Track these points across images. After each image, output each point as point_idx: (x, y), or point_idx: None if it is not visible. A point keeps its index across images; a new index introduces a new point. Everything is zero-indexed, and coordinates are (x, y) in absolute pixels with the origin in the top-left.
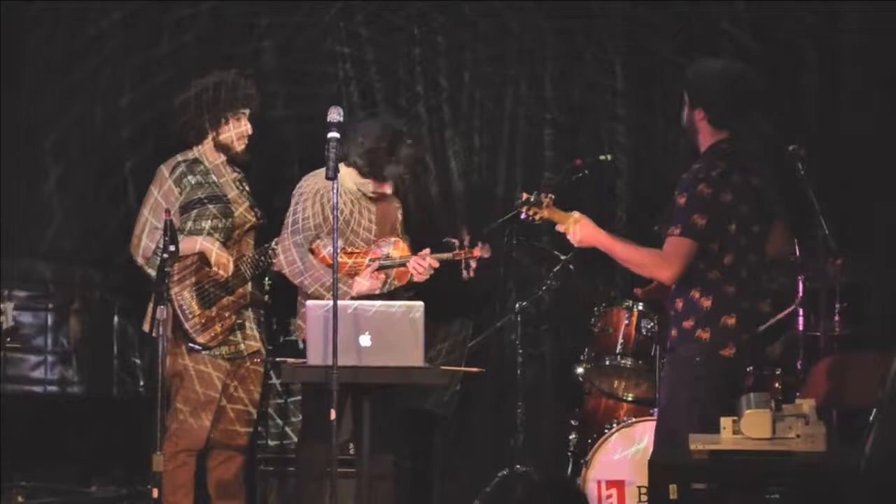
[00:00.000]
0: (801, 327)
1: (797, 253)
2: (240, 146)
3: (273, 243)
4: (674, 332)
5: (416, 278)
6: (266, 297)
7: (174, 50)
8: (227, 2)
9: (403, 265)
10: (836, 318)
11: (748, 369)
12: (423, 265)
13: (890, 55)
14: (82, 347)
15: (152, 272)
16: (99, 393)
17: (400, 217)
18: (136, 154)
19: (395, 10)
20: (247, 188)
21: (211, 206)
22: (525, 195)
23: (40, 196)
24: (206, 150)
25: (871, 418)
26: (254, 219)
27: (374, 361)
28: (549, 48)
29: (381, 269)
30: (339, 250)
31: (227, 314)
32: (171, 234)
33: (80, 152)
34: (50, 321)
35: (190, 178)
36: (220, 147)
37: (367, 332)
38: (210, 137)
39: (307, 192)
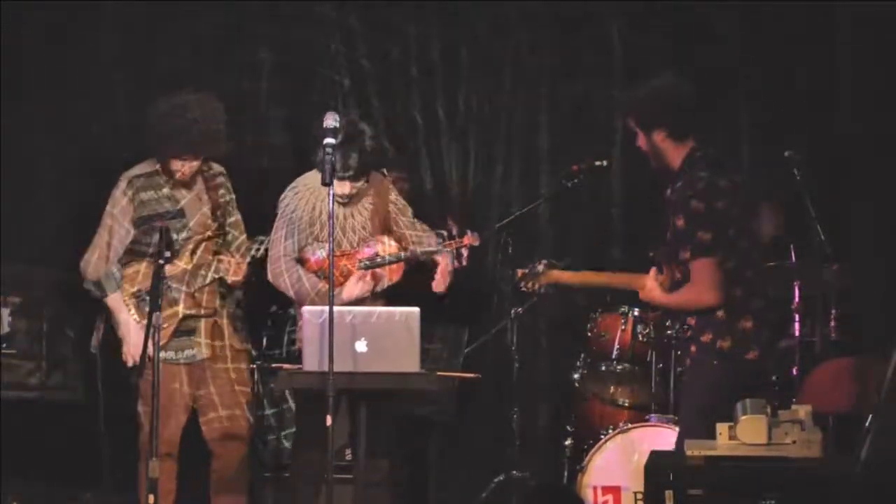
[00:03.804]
0: (797, 333)
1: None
2: (181, 178)
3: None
4: (693, 348)
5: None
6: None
7: (172, 56)
8: (227, 12)
9: (395, 262)
10: (833, 323)
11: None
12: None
13: (885, 55)
14: (78, 354)
15: (91, 289)
16: (94, 399)
17: (393, 208)
18: (133, 161)
19: (389, 6)
20: (220, 195)
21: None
22: (520, 272)
23: (36, 202)
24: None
25: (867, 424)
26: (211, 229)
27: (370, 367)
28: (547, 50)
29: (370, 268)
30: (329, 256)
31: (170, 324)
32: (166, 240)
33: (78, 159)
34: (45, 327)
35: (142, 193)
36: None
37: (362, 338)
38: None
39: (294, 203)
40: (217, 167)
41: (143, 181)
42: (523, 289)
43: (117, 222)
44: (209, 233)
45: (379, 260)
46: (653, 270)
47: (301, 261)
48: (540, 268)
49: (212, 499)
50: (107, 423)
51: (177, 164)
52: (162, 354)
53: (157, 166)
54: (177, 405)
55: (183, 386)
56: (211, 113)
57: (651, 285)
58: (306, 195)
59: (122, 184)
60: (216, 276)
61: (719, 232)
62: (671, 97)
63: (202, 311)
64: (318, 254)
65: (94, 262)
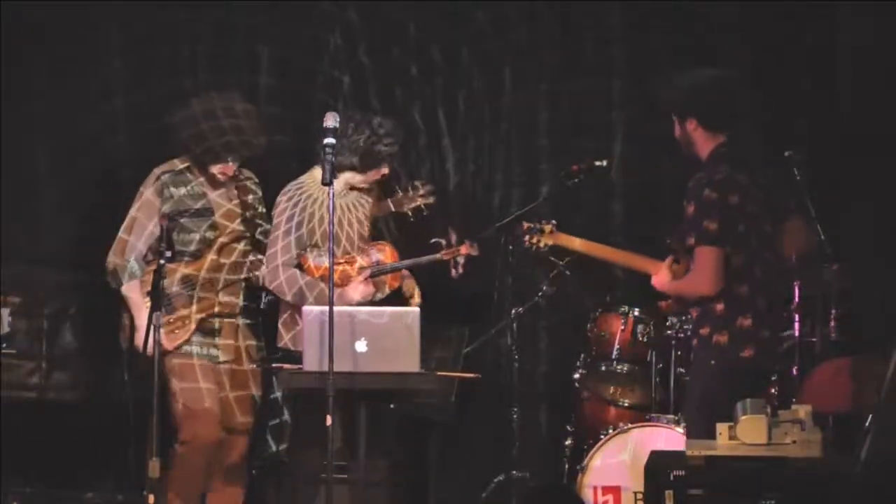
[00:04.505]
0: (797, 333)
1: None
2: (222, 178)
3: (254, 259)
4: (694, 342)
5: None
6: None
7: (172, 55)
8: (228, 11)
9: (395, 271)
10: (833, 323)
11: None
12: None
13: (885, 55)
14: (78, 353)
15: (109, 280)
16: (95, 399)
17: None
18: (133, 161)
19: (390, 4)
20: (249, 197)
21: (187, 220)
22: (526, 225)
23: (36, 202)
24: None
25: (867, 424)
26: (238, 229)
27: (371, 367)
28: (547, 50)
29: (373, 276)
30: (329, 257)
31: (189, 322)
32: (167, 239)
33: (77, 159)
34: (45, 327)
35: (172, 189)
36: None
37: (363, 338)
38: None
39: (290, 207)
40: (245, 170)
41: (172, 177)
42: (526, 244)
43: (141, 218)
44: (236, 233)
45: (381, 268)
46: (669, 259)
47: (300, 265)
48: (548, 226)
49: (211, 489)
50: (115, 420)
51: (216, 169)
52: (185, 347)
53: (187, 164)
54: (213, 402)
55: (210, 383)
56: (241, 113)
57: (663, 271)
58: (300, 198)
59: (151, 179)
60: (241, 277)
61: (728, 224)
62: (707, 88)
63: (225, 311)
64: (318, 259)
65: (113, 253)
